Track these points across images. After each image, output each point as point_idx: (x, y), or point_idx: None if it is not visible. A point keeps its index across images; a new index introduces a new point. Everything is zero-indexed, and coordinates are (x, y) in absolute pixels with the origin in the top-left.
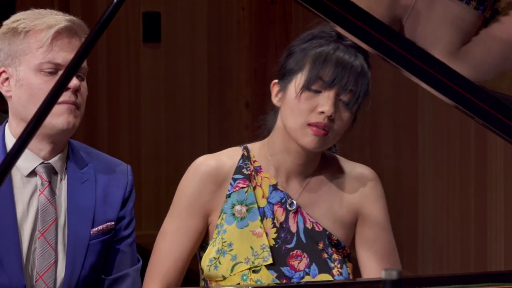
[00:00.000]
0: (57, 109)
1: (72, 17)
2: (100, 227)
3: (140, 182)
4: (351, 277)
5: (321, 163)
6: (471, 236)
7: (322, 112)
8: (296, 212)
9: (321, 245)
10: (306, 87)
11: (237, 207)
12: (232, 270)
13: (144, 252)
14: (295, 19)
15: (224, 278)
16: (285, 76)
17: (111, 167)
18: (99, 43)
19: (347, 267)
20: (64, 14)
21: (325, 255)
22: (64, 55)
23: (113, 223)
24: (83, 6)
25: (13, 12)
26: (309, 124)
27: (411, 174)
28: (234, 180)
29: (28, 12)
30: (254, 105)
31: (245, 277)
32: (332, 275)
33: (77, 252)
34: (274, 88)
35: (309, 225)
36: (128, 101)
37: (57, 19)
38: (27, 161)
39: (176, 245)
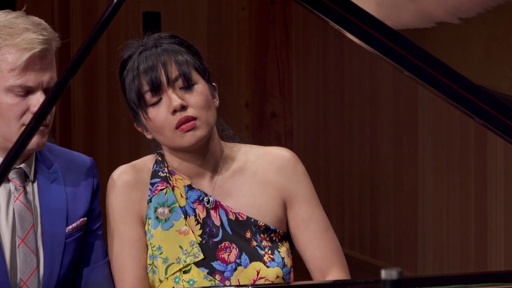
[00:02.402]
0: None
1: (46, 34)
2: (74, 225)
3: None
4: (286, 260)
5: (227, 155)
6: (471, 236)
7: (175, 111)
8: (215, 208)
9: (248, 234)
10: (146, 106)
11: (160, 210)
12: (166, 273)
13: None
14: (295, 19)
15: (161, 282)
16: (134, 115)
17: (75, 163)
18: (99, 43)
19: (279, 252)
20: (38, 24)
21: (254, 243)
22: (37, 77)
23: (85, 218)
24: (83, 6)
25: None
26: (176, 128)
27: (411, 174)
28: (152, 184)
29: None
30: (254, 105)
31: (177, 280)
32: (264, 262)
33: (55, 252)
34: (140, 129)
35: (232, 217)
36: None
37: (32, 39)
38: None
39: (130, 258)
